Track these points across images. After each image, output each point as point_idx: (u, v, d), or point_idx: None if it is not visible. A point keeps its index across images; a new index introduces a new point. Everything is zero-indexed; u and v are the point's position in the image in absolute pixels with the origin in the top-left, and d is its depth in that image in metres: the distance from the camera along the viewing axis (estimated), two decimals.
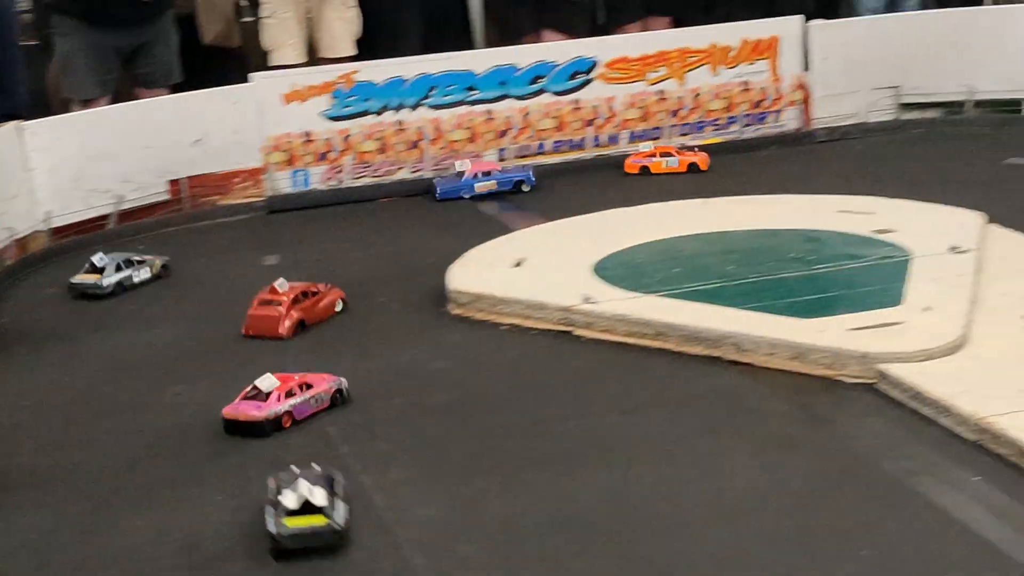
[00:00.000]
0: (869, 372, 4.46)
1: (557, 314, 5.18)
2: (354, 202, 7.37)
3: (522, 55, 7.69)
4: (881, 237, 5.72)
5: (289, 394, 4.48)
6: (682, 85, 7.83)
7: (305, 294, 5.54)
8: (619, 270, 5.53)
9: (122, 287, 6.23)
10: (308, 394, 4.54)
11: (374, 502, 3.89)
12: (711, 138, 7.86)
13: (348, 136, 7.46)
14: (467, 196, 7.35)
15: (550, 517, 3.74)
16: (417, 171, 7.58)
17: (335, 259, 6.41)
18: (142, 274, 6.35)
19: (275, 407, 4.42)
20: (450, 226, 6.67)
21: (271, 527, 3.58)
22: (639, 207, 6.50)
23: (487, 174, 7.38)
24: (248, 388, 4.52)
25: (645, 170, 7.03)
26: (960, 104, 8.10)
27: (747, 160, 7.50)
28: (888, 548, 3.47)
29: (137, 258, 6.42)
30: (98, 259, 6.25)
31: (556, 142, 7.69)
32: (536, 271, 5.64)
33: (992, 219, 5.86)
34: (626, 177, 7.28)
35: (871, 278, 5.27)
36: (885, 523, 3.60)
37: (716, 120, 7.90)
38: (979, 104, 8.07)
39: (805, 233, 5.90)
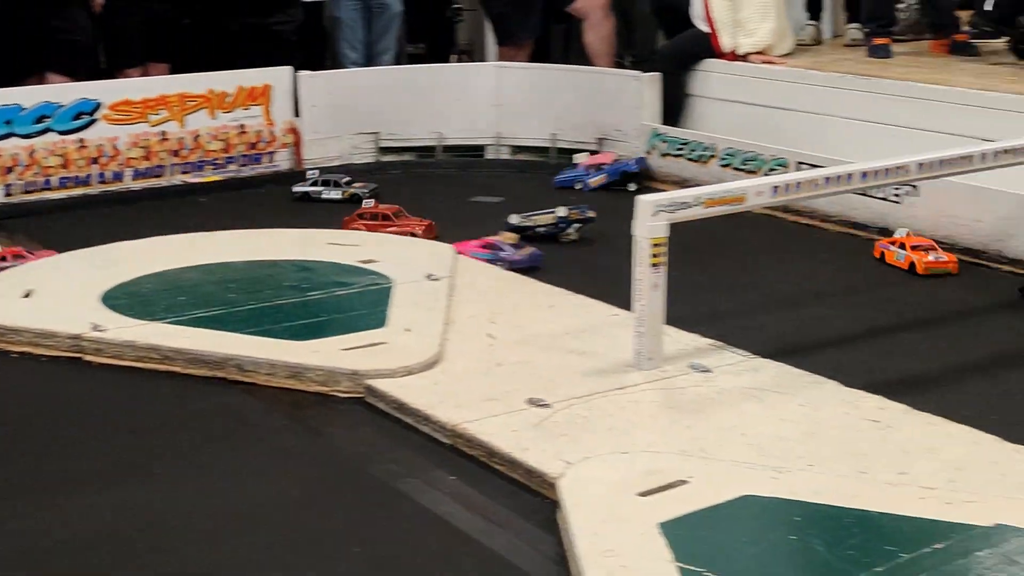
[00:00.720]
0: (359, 387, 4.54)
1: (67, 341, 4.99)
2: None
3: (27, 96, 7.39)
4: (366, 267, 5.81)
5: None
6: (182, 127, 7.73)
7: (375, 216, 6.32)
8: (127, 300, 5.38)
9: (308, 197, 7.05)
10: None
11: None
12: (210, 176, 7.79)
13: None
14: (580, 188, 7.50)
15: (79, 535, 3.60)
16: None
17: None
18: (331, 193, 7.02)
19: None
20: None
21: None
22: (143, 240, 6.34)
23: (599, 168, 7.53)
24: None
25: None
26: (431, 149, 8.36)
27: (244, 197, 7.48)
28: (378, 544, 3.55)
29: (344, 180, 7.19)
30: (310, 173, 7.21)
31: (62, 178, 7.43)
32: (45, 301, 5.41)
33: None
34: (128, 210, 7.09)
35: (358, 303, 5.37)
36: (375, 521, 3.68)
37: (215, 160, 7.82)
38: (447, 149, 8.35)
39: (299, 263, 5.92)
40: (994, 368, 4.78)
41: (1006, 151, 5.43)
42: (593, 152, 7.88)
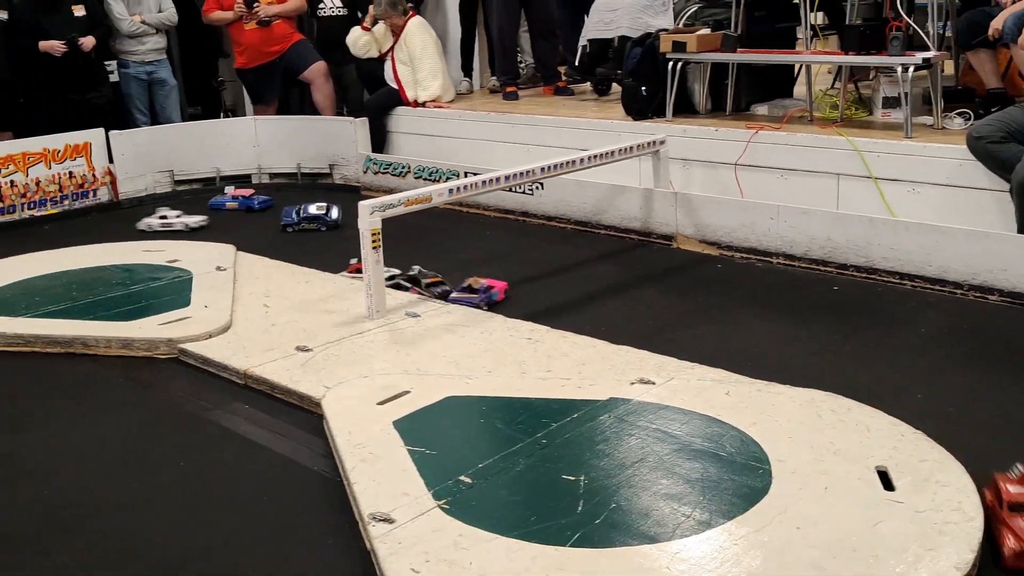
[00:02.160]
0: (173, 350, 4.34)
1: None
2: None
3: None
4: (173, 265, 5.55)
5: None
6: (27, 176, 7.16)
7: None
8: None
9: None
10: None
11: None
12: (50, 210, 7.28)
13: None
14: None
15: None
16: None
17: None
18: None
19: None
20: None
21: None
22: (3, 259, 5.87)
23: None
24: None
25: None
26: (213, 179, 8.03)
27: (77, 223, 7.02)
28: (197, 457, 3.43)
29: None
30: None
31: None
32: None
33: (240, 248, 5.84)
34: None
35: (169, 291, 5.10)
36: (193, 443, 3.55)
37: (53, 198, 7.30)
38: (224, 178, 8.00)
39: (123, 267, 5.58)
40: (601, 297, 4.93)
41: (593, 156, 5.61)
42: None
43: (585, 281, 5.20)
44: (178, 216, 6.62)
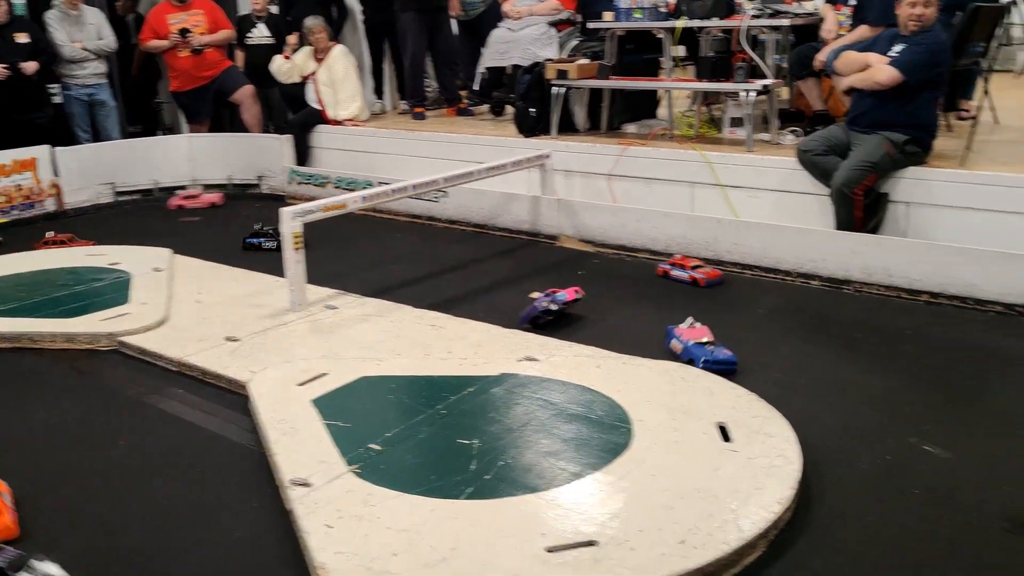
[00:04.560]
0: (114, 343, 4.27)
1: None
2: None
3: None
4: (113, 267, 5.42)
5: None
6: None
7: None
8: None
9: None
10: None
11: None
12: (0, 219, 7.03)
13: None
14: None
15: None
16: None
17: None
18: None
19: None
20: None
21: None
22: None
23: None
24: None
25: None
26: (151, 190, 7.86)
27: (26, 231, 6.77)
28: (136, 435, 3.37)
29: None
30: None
31: None
32: None
33: (176, 251, 5.75)
34: None
35: (110, 291, 4.98)
36: (133, 423, 3.49)
37: (3, 208, 7.05)
38: (162, 189, 7.85)
39: (68, 269, 5.43)
40: (495, 288, 4.99)
41: (489, 168, 5.69)
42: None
43: (482, 275, 5.26)
44: None
